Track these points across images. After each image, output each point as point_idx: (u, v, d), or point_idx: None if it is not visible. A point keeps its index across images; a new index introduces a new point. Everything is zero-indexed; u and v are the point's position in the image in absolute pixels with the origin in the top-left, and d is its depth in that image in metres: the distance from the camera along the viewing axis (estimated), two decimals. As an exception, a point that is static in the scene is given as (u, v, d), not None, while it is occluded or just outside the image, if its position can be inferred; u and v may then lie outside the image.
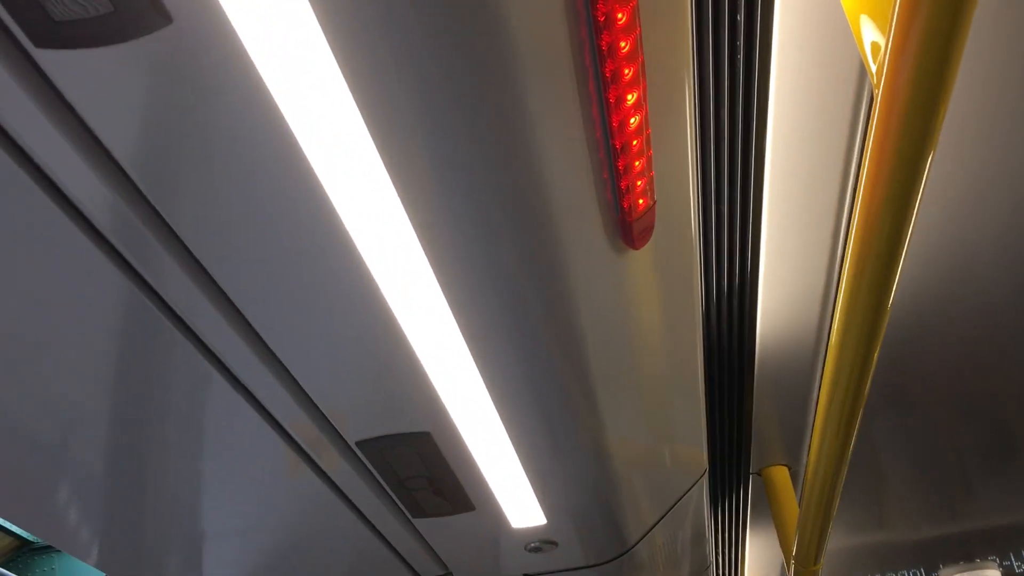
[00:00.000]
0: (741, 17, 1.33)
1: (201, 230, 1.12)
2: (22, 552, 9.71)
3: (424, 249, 1.18)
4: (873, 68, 0.98)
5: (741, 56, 1.38)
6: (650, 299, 1.56)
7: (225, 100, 0.95)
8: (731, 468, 2.66)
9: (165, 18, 0.84)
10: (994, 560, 4.01)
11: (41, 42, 0.86)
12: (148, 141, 0.99)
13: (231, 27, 0.88)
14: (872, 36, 0.99)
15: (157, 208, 1.08)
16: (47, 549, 10.03)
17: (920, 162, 1.00)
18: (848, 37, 1.42)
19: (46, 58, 0.89)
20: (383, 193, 1.09)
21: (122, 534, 1.87)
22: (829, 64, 1.47)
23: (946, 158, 1.71)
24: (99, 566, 2.01)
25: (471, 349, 1.38)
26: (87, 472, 1.60)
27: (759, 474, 2.80)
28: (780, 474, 2.74)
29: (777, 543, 3.46)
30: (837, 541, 3.87)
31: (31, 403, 1.37)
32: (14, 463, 1.51)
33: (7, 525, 9.35)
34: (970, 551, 3.92)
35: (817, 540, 2.18)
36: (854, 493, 3.30)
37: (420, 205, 1.11)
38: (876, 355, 1.38)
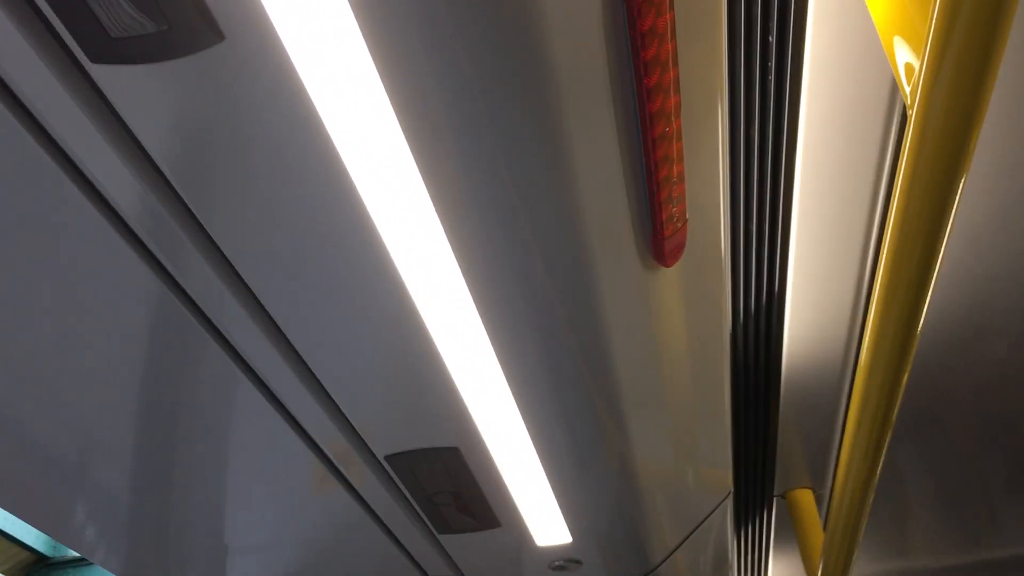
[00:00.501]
0: (773, 38, 1.34)
1: (238, 239, 1.14)
2: (38, 567, 9.75)
3: (458, 263, 1.20)
4: (907, 89, 0.99)
5: (772, 76, 1.40)
6: (679, 318, 1.57)
7: (271, 114, 0.97)
8: (755, 490, 2.65)
9: (218, 36, 0.87)
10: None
11: (97, 58, 0.89)
12: (191, 149, 1.02)
13: (281, 44, 0.90)
14: (906, 57, 1.00)
15: (196, 215, 1.11)
16: (63, 564, 10.07)
17: (954, 182, 1.00)
18: (878, 58, 1.44)
19: (100, 72, 0.92)
20: (419, 207, 1.11)
21: (146, 543, 1.89)
22: (859, 85, 1.48)
23: (972, 180, 1.71)
24: (122, 574, 2.02)
25: (502, 365, 1.40)
26: (113, 478, 1.61)
27: (783, 497, 2.79)
28: (805, 497, 2.72)
29: (799, 567, 3.44)
30: (859, 568, 3.83)
31: (58, 404, 1.38)
32: (39, 467, 1.52)
33: (24, 539, 9.40)
34: (998, 577, 3.87)
35: (843, 565, 2.16)
36: (877, 518, 3.27)
37: (455, 220, 1.13)
38: (905, 379, 1.38)
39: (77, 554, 10.39)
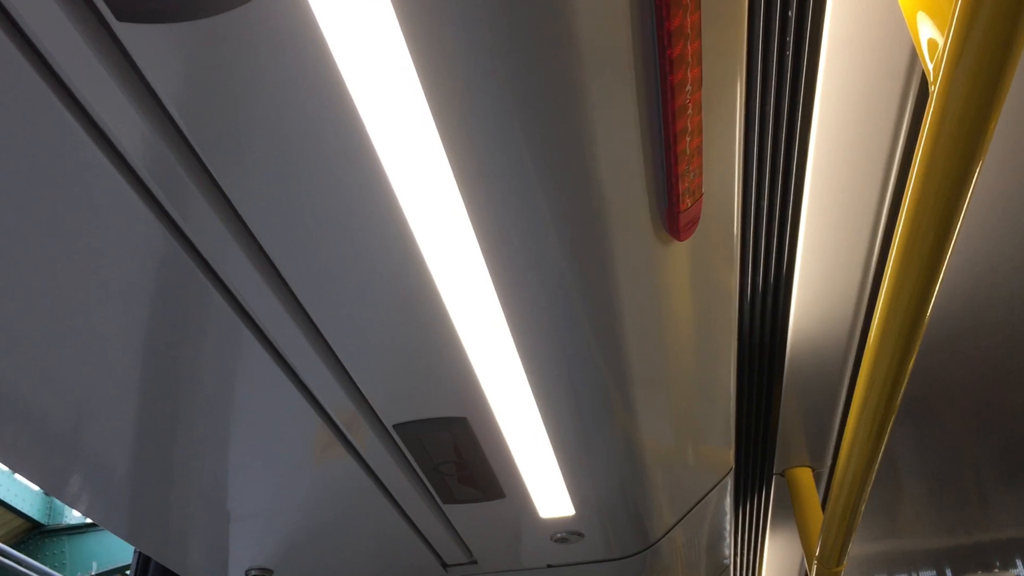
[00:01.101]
0: (792, 13, 1.34)
1: (250, 195, 1.14)
2: (32, 535, 9.79)
3: (474, 231, 1.20)
4: (930, 65, 0.99)
5: (790, 52, 1.40)
6: (689, 294, 1.57)
7: (292, 72, 0.97)
8: (756, 468, 2.67)
9: (245, -5, 0.87)
10: (1011, 571, 4.00)
11: (124, 15, 0.89)
12: (206, 102, 1.01)
13: (308, 6, 0.90)
14: (930, 33, 1.00)
15: (209, 168, 1.10)
16: (57, 532, 10.10)
17: (973, 163, 1.01)
18: (897, 36, 1.43)
19: (125, 30, 0.92)
20: (437, 174, 1.11)
21: (150, 506, 1.89)
22: (877, 63, 1.48)
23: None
24: (127, 538, 2.03)
25: (513, 335, 1.40)
26: (113, 436, 1.61)
27: (782, 475, 2.81)
28: (804, 476, 2.75)
29: (796, 544, 3.47)
30: (851, 549, 3.87)
31: (56, 358, 1.38)
32: (40, 422, 1.52)
33: (18, 507, 9.42)
34: (986, 561, 3.91)
35: (842, 543, 2.18)
36: (870, 501, 3.30)
37: (472, 187, 1.13)
38: (912, 362, 1.39)
39: (72, 522, 10.43)
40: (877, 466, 1.75)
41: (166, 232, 1.16)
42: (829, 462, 2.72)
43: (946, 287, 2.03)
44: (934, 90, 0.96)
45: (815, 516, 2.67)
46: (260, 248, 1.23)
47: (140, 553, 2.63)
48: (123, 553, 10.21)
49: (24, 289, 1.24)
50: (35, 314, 1.29)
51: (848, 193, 1.72)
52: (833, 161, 1.65)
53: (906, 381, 1.45)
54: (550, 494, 1.92)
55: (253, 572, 2.22)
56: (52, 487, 1.74)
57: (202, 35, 0.92)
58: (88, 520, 10.47)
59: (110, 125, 1.02)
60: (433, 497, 1.93)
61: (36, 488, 10.26)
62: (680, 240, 1.35)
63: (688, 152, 1.21)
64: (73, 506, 1.85)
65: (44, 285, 1.24)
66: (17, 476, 9.98)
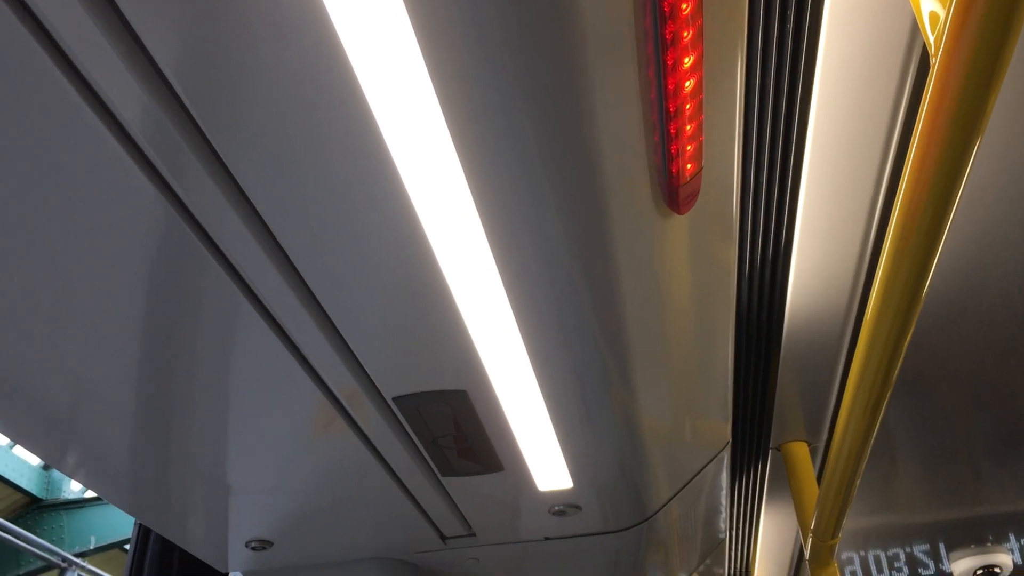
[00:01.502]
0: None
1: (250, 166, 1.13)
2: (31, 509, 9.80)
3: (475, 205, 1.20)
4: (931, 38, 0.98)
5: (791, 27, 1.39)
6: (687, 268, 1.58)
7: (291, 34, 0.97)
8: (752, 442, 2.69)
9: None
10: (1003, 545, 4.04)
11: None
12: (201, 65, 1.00)
13: None
14: (931, 6, 1.00)
15: (209, 138, 1.09)
16: (55, 507, 10.11)
17: (973, 136, 1.01)
18: (897, 9, 1.43)
19: None
20: (437, 145, 1.11)
21: (150, 479, 1.90)
22: (877, 37, 1.48)
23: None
24: (129, 510, 2.04)
25: (513, 308, 1.40)
26: (116, 411, 1.61)
27: (778, 449, 2.83)
28: (800, 450, 2.77)
29: (790, 518, 3.49)
30: (846, 521, 3.90)
31: (56, 321, 1.37)
32: (41, 396, 1.53)
33: (16, 482, 9.42)
34: (980, 535, 3.94)
35: (837, 516, 2.20)
36: (865, 474, 3.32)
37: (472, 158, 1.13)
38: (909, 335, 1.40)
39: (70, 497, 10.45)
40: (873, 440, 1.77)
41: (165, 202, 1.16)
42: (825, 436, 2.74)
43: (943, 264, 2.04)
44: (935, 63, 0.96)
45: (811, 490, 2.69)
46: (260, 220, 1.23)
47: (140, 525, 2.65)
48: (122, 528, 10.26)
49: (23, 263, 1.24)
50: (34, 289, 1.29)
51: (847, 168, 1.72)
52: (833, 136, 1.65)
53: (903, 356, 1.46)
54: (548, 467, 1.93)
55: (253, 544, 2.23)
56: (53, 460, 1.75)
57: (202, 1, 0.92)
58: (86, 495, 10.53)
59: (109, 94, 1.01)
60: (432, 470, 1.94)
61: (35, 463, 10.30)
62: (680, 213, 1.35)
63: (689, 126, 1.21)
64: (74, 478, 1.86)
65: (43, 258, 1.24)
66: (15, 451, 10.00)
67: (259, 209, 1.20)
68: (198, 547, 2.27)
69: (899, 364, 1.48)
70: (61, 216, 1.17)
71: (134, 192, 1.14)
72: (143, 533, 2.63)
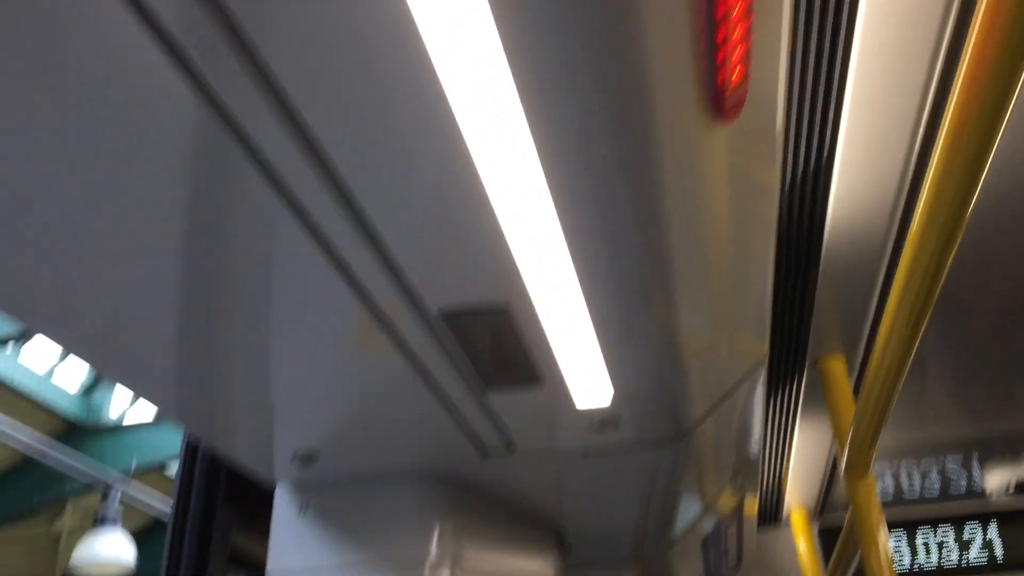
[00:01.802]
0: None
1: (283, 57, 1.11)
2: (72, 435, 10.00)
3: (522, 109, 1.19)
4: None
5: None
6: (730, 180, 1.56)
7: None
8: (789, 356, 2.70)
9: None
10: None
11: None
12: None
13: None
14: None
15: (245, 34, 1.06)
16: (97, 431, 10.35)
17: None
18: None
19: None
20: (484, 51, 1.10)
21: (197, 388, 1.93)
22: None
23: None
24: (176, 416, 2.08)
25: (559, 217, 1.40)
26: (159, 319, 1.62)
27: (814, 365, 2.84)
28: (837, 365, 2.77)
29: (824, 435, 3.53)
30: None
31: (99, 239, 1.38)
32: (85, 304, 1.54)
33: (57, 406, 9.62)
34: (1013, 448, 3.97)
35: (874, 430, 2.22)
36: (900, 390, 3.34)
37: (518, 63, 1.12)
38: (955, 248, 1.39)
39: (112, 422, 10.71)
40: (915, 348, 1.77)
41: (203, 105, 1.14)
42: (862, 352, 2.74)
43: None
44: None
45: (847, 405, 2.71)
46: (299, 124, 1.21)
47: (189, 441, 2.71)
48: (160, 451, 10.54)
49: (55, 169, 1.24)
50: (69, 197, 1.29)
51: (893, 78, 1.69)
52: (879, 45, 1.62)
53: (947, 269, 1.45)
54: (588, 380, 1.95)
55: (299, 453, 2.28)
56: (105, 369, 1.78)
57: None
58: (125, 421, 10.79)
59: None
60: (473, 383, 1.96)
61: (72, 391, 10.54)
62: (727, 119, 1.34)
63: (735, 33, 1.19)
64: (124, 385, 1.88)
65: (76, 163, 1.23)
66: (54, 380, 10.24)
67: (298, 113, 1.19)
68: (245, 455, 2.31)
69: (943, 278, 1.47)
70: (96, 121, 1.16)
71: (167, 89, 1.12)
72: (191, 447, 2.68)
